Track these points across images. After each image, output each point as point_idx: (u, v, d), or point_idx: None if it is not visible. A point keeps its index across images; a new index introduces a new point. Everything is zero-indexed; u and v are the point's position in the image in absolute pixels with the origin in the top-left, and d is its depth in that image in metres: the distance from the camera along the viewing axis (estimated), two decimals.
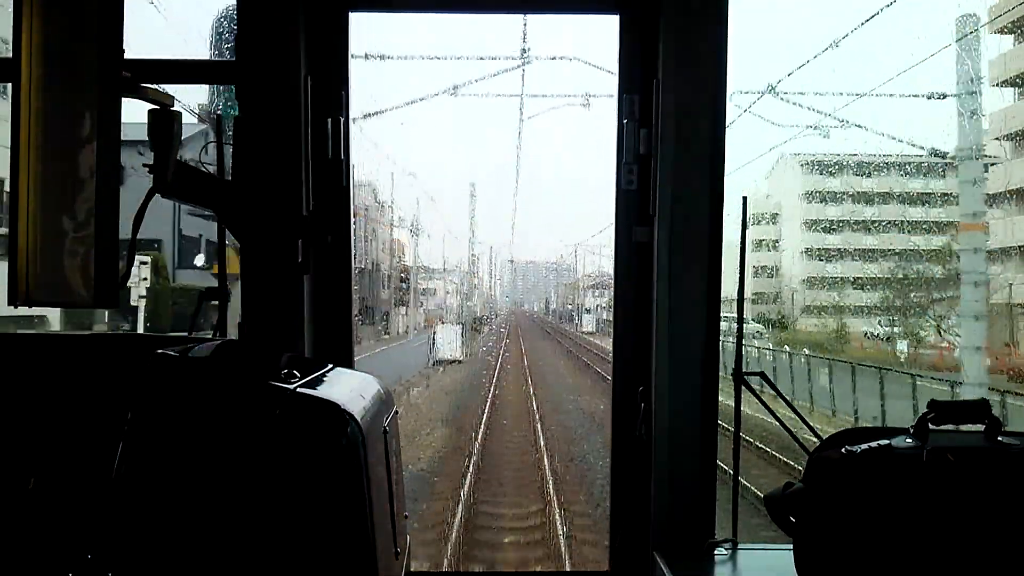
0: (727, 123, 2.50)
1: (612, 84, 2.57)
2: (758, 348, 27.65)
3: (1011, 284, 27.07)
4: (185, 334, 2.12)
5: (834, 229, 37.63)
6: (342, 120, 2.47)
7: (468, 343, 31.72)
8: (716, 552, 2.37)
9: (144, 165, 2.00)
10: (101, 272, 1.77)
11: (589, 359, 28.96)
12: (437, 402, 20.55)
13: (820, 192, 38.30)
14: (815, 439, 1.89)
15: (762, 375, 2.51)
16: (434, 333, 29.51)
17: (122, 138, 1.83)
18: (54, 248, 1.77)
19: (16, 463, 1.45)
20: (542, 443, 15.13)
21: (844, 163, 36.30)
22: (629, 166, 2.51)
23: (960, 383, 15.38)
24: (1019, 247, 28.50)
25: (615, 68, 2.56)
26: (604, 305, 42.83)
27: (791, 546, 1.74)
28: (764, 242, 39.13)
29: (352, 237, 2.57)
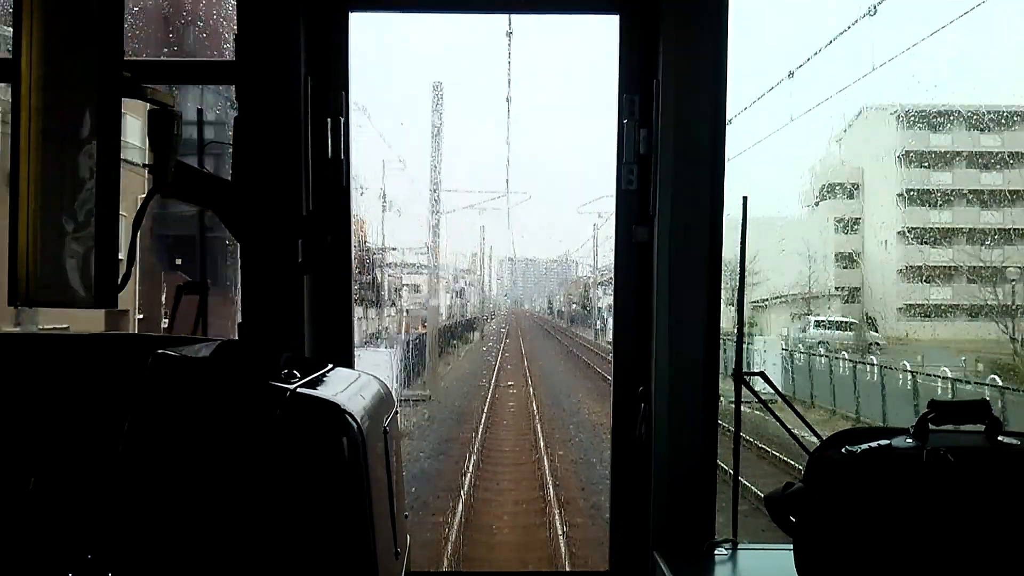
0: (727, 120, 2.49)
1: (612, 83, 2.57)
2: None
3: None
4: (185, 335, 2.12)
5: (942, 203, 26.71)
6: (342, 120, 2.48)
7: (432, 376, 19.45)
8: (716, 552, 2.37)
9: (144, 165, 2.00)
10: (101, 272, 1.78)
11: None
12: None
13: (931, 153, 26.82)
14: (815, 439, 1.89)
15: (762, 375, 2.51)
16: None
17: None
18: (54, 248, 1.78)
19: (16, 463, 1.45)
20: None
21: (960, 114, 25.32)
22: (629, 166, 2.51)
23: None
24: None
25: (615, 68, 2.56)
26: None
27: (791, 546, 1.74)
28: (842, 221, 28.91)
29: (352, 237, 2.58)
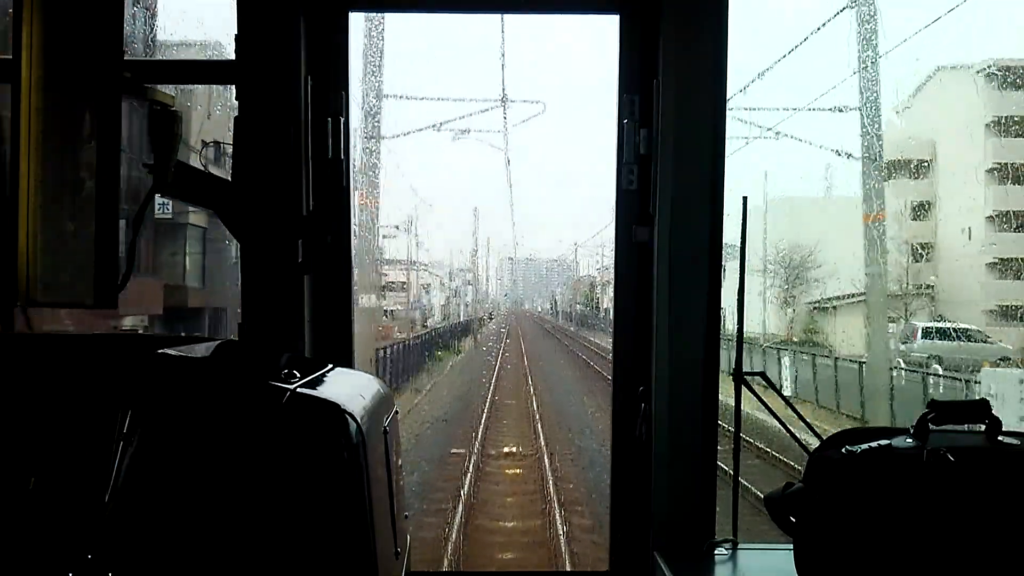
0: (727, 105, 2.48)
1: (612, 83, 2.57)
2: None
3: None
4: (185, 334, 2.12)
5: None
6: (342, 120, 2.48)
7: None
8: (716, 552, 2.37)
9: (144, 165, 2.00)
10: (101, 272, 1.78)
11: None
12: None
13: None
14: (816, 439, 1.89)
15: (762, 375, 2.51)
16: None
17: None
18: (54, 248, 1.78)
19: (16, 463, 1.45)
20: None
21: None
22: (629, 166, 2.51)
23: None
24: None
25: (615, 68, 2.56)
26: None
27: (791, 546, 1.74)
28: (910, 205, 22.34)
29: (352, 236, 2.58)
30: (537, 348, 30.07)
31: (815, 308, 22.67)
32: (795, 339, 22.25)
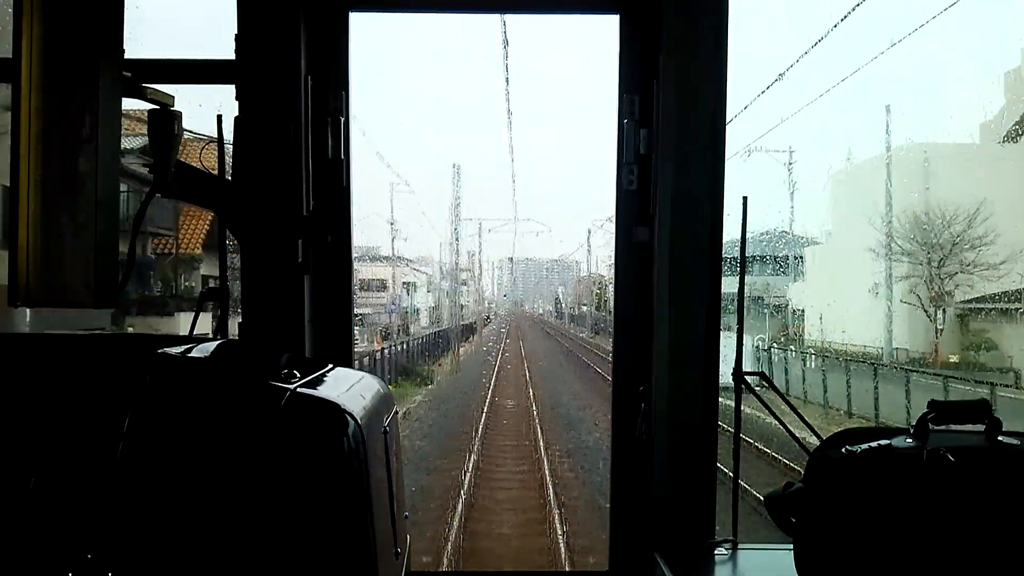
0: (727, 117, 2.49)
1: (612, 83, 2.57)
2: None
3: None
4: (186, 334, 2.12)
5: None
6: (342, 120, 2.48)
7: None
8: (716, 552, 2.37)
9: (144, 165, 2.00)
10: (101, 272, 1.78)
11: None
12: None
13: None
14: (815, 439, 1.89)
15: (762, 375, 2.51)
16: None
17: None
18: (54, 248, 1.78)
19: (16, 463, 1.45)
20: None
21: None
22: (629, 166, 2.51)
23: None
24: None
25: (615, 68, 2.56)
26: None
27: (791, 546, 1.74)
28: None
29: (352, 236, 2.58)
30: (542, 359, 23.06)
31: (975, 310, 16.23)
32: (951, 358, 16.36)
